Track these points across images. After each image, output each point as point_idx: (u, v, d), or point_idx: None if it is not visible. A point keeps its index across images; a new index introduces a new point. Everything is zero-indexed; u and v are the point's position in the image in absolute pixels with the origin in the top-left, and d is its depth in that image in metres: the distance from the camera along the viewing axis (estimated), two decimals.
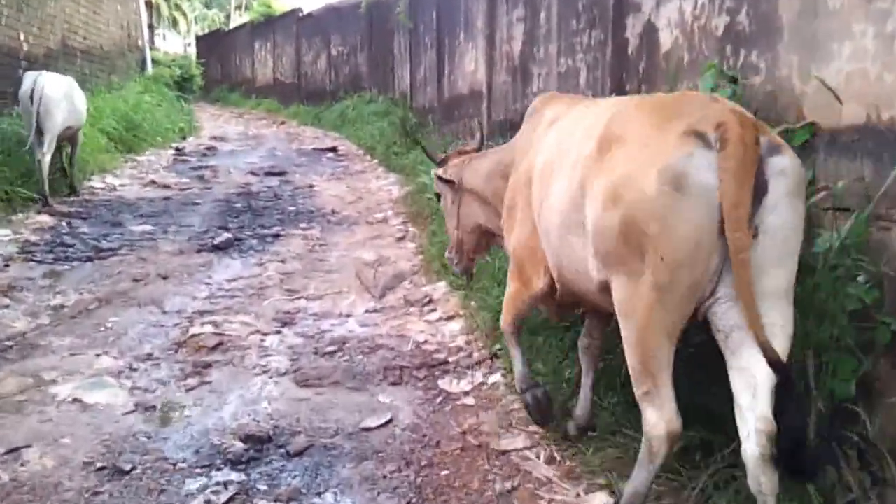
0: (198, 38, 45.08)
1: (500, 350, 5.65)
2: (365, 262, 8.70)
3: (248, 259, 8.97)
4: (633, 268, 3.04)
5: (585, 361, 4.44)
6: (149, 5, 30.28)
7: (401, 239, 9.83)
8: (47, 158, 11.57)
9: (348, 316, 6.97)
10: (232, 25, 43.14)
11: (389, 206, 11.83)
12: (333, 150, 18.08)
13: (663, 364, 3.11)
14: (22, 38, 14.58)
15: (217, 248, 9.36)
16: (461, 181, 5.11)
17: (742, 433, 2.99)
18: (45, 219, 10.75)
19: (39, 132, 11.48)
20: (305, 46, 27.70)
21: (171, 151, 18.03)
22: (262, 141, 20.41)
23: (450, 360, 5.81)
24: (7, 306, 7.08)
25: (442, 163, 5.38)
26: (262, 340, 6.32)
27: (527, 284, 4.28)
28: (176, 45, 50.98)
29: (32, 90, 11.33)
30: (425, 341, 6.19)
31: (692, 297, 3.01)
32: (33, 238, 9.75)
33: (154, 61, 24.22)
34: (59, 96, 11.72)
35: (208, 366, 5.74)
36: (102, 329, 6.55)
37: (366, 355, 5.96)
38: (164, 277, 8.13)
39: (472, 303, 6.72)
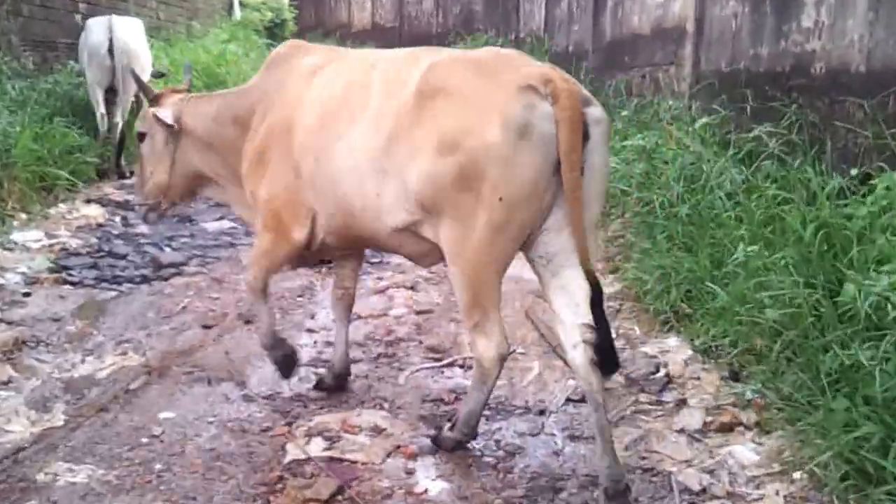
0: None
1: None
2: (533, 290, 6.06)
3: (364, 281, 6.39)
4: (467, 211, 3.34)
5: (339, 311, 4.64)
6: None
7: None
8: (121, 122, 9.80)
9: (541, 413, 4.33)
10: None
11: None
12: None
13: (494, 297, 3.53)
14: None
15: (320, 262, 6.80)
16: (181, 123, 4.67)
17: (568, 344, 3.45)
18: (93, 212, 8.39)
19: (113, 91, 9.65)
20: None
21: None
22: None
23: None
24: (7, 384, 4.63)
25: (154, 101, 4.76)
26: (410, 475, 3.73)
27: (286, 235, 4.22)
28: None
29: (111, 41, 9.47)
30: (704, 490, 3.53)
31: (525, 231, 3.41)
32: (74, 243, 7.41)
33: (242, 4, 21.64)
34: (139, 46, 9.94)
35: None
36: (146, 440, 4.06)
37: None
38: (248, 321, 5.60)
39: (761, 399, 4.05)
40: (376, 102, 3.70)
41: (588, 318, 3.38)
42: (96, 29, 9.70)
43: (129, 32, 9.90)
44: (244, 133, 4.40)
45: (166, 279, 6.56)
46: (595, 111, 3.39)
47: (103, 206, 8.55)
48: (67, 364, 4.93)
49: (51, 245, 7.22)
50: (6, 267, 6.58)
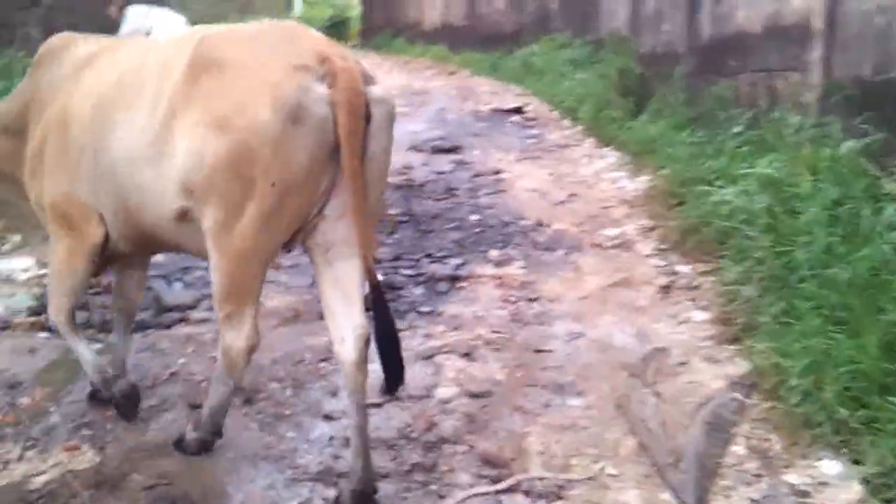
0: None
1: None
2: (622, 359, 4.58)
3: (408, 339, 4.95)
4: (236, 195, 3.04)
5: (121, 322, 4.21)
6: None
7: (667, 290, 5.61)
8: None
9: None
10: None
11: (624, 211, 7.54)
12: (519, 111, 13.78)
13: (255, 287, 3.28)
14: None
15: None
16: None
17: (336, 338, 3.30)
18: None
19: None
20: None
21: None
22: (427, 98, 16.29)
23: None
24: None
25: None
26: None
27: (81, 237, 3.73)
28: None
29: (149, 33, 8.38)
30: None
31: (298, 219, 3.16)
32: None
33: (305, 2, 20.31)
34: None
35: None
36: None
37: None
38: (248, 400, 4.20)
39: None
40: (151, 86, 3.32)
41: (360, 314, 3.28)
42: (131, 18, 8.68)
43: (170, 26, 8.76)
44: (21, 142, 3.94)
45: (167, 327, 5.21)
46: (376, 90, 3.17)
47: None
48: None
49: (40, 276, 5.92)
50: None
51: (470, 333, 4.96)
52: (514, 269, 6.09)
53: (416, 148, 10.82)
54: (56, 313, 3.95)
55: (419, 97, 16.40)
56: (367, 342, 3.27)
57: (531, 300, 5.54)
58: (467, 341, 4.83)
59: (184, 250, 3.71)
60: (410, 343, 4.88)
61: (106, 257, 3.83)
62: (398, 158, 10.07)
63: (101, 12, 10.18)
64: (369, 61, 25.42)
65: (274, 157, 2.98)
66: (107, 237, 3.72)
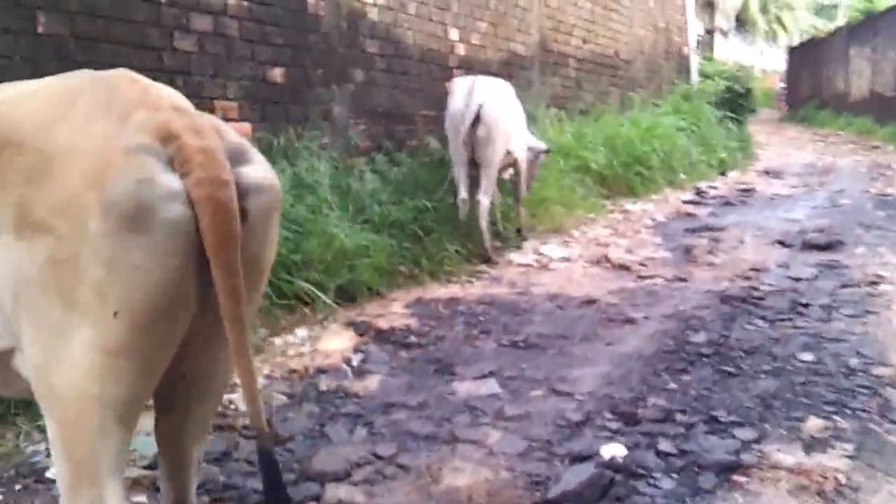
0: (790, 49, 37.82)
1: None
2: None
3: None
4: (61, 325, 1.88)
5: None
6: (709, 6, 24.41)
7: None
8: (486, 202, 7.40)
9: None
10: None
11: None
12: None
13: (112, 463, 1.97)
14: (456, 36, 9.61)
15: None
16: None
17: None
18: (337, 345, 5.49)
19: (474, 164, 7.44)
20: None
21: (689, 195, 12.08)
22: (828, 178, 13.49)
23: None
24: None
25: None
26: None
27: None
28: (774, 58, 44.57)
29: (476, 107, 7.26)
30: None
31: (162, 357, 2.00)
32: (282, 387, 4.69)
33: (703, 75, 18.09)
34: (502, 111, 7.54)
35: None
36: None
37: None
38: None
39: None
40: None
41: (188, 490, 2.31)
42: (457, 93, 7.57)
43: (493, 96, 7.49)
44: None
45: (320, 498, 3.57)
46: (252, 172, 2.03)
47: (359, 334, 5.73)
48: None
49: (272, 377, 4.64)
50: None
51: None
52: (833, 460, 3.73)
53: (782, 242, 8.47)
54: None
55: (819, 177, 13.70)
56: None
57: None
58: None
59: None
60: None
61: None
62: (751, 256, 7.77)
63: (430, 90, 9.05)
64: (788, 134, 22.74)
65: (112, 279, 1.87)
66: None
